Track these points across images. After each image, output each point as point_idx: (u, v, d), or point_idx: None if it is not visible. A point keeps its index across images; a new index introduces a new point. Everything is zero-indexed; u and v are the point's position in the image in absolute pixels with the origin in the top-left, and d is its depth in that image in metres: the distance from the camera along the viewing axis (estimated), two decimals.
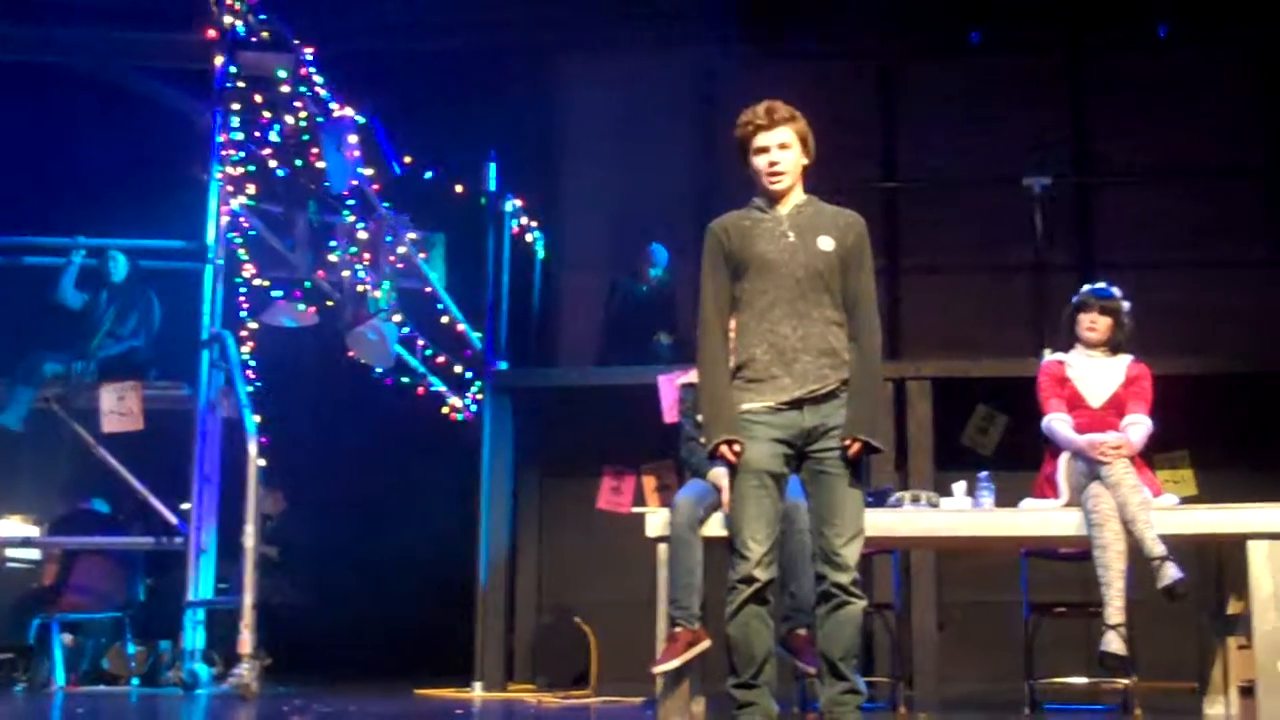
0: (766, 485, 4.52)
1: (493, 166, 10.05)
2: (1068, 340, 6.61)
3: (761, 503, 4.51)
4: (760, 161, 4.68)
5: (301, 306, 9.44)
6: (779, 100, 4.73)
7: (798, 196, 4.73)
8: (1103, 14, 10.69)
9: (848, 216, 4.74)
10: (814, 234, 4.64)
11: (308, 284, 9.52)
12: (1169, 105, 10.62)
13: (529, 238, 10.60)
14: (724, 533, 5.19)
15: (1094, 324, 6.50)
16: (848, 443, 4.50)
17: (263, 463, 8.19)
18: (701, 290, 4.73)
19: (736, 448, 4.52)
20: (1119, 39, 10.86)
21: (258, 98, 9.06)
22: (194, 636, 8.55)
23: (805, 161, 4.73)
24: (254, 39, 9.13)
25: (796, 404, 4.55)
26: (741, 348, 4.64)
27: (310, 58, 9.17)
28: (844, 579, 4.47)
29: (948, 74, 10.95)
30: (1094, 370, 6.47)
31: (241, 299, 9.25)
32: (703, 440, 4.79)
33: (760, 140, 4.67)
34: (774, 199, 4.71)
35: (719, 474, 5.50)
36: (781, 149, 4.66)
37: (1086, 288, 6.65)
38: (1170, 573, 5.71)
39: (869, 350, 4.63)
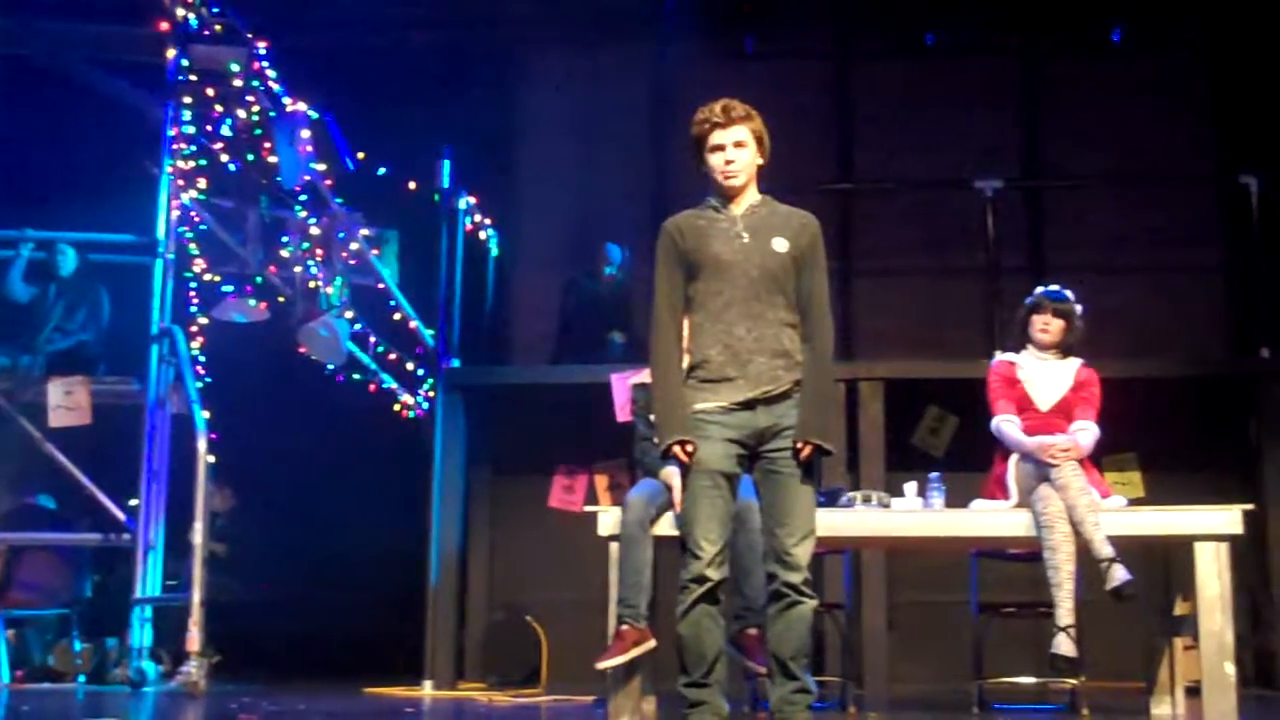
0: (719, 485, 4.51)
1: (446, 163, 10.00)
2: (1019, 341, 6.63)
3: (714, 502, 4.50)
4: (715, 160, 4.66)
5: (252, 302, 9.39)
6: (735, 99, 4.72)
7: (752, 196, 4.72)
8: (1058, 17, 10.75)
9: (802, 217, 4.73)
10: (768, 235, 4.63)
11: (259, 279, 9.46)
12: (1122, 109, 10.67)
13: (483, 235, 10.56)
14: (674, 532, 5.19)
15: (1047, 326, 6.53)
16: (799, 445, 4.51)
17: (212, 459, 8.13)
18: (655, 290, 4.71)
19: (689, 448, 4.51)
20: (1073, 42, 10.92)
21: (210, 91, 8.99)
22: (141, 634, 8.46)
23: (760, 161, 4.72)
24: (206, 32, 9.04)
25: (750, 404, 4.54)
26: (696, 348, 4.62)
27: (263, 52, 9.10)
28: (795, 578, 4.46)
29: (903, 76, 10.97)
30: (1044, 373, 6.50)
31: (192, 294, 9.17)
32: (655, 440, 4.78)
33: (715, 138, 4.65)
34: (728, 198, 4.69)
35: (671, 473, 5.49)
36: (737, 147, 4.65)
37: (1040, 289, 6.68)
38: (1118, 574, 5.75)
39: (822, 352, 4.62)
